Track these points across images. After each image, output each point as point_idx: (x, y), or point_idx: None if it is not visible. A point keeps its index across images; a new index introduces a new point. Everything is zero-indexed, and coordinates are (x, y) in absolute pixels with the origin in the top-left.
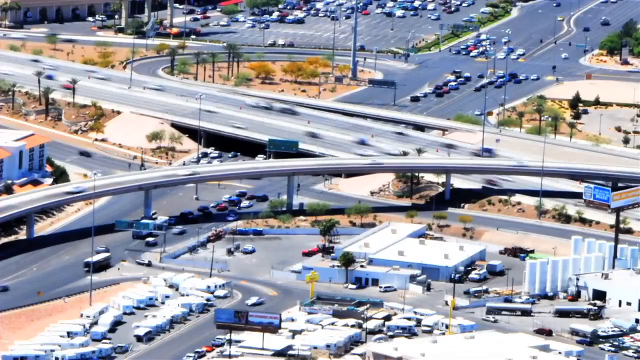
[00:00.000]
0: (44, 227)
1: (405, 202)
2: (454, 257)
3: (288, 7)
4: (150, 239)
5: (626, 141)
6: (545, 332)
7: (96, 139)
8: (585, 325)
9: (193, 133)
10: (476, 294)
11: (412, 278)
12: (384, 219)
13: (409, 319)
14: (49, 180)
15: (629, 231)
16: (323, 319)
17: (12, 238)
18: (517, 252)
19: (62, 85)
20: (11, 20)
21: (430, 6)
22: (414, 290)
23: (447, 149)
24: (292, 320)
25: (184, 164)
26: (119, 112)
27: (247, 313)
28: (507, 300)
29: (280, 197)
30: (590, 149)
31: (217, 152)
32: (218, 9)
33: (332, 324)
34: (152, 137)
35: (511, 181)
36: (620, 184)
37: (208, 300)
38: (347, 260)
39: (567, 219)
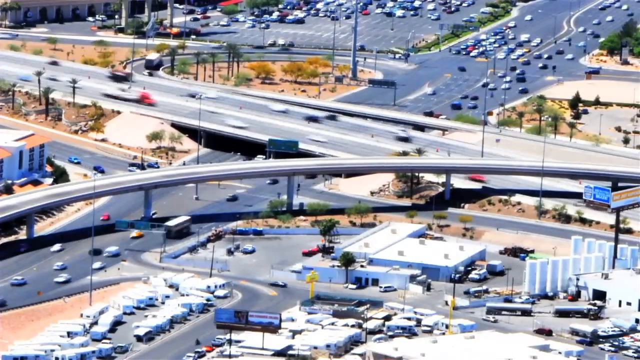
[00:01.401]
0: (44, 227)
1: (405, 202)
2: (454, 257)
3: (288, 7)
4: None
5: (626, 141)
6: (545, 332)
7: (96, 139)
8: (585, 325)
9: (193, 133)
10: (476, 294)
11: (412, 278)
12: (384, 219)
13: (409, 319)
14: (49, 180)
15: (629, 231)
16: (323, 319)
17: (12, 238)
18: (517, 252)
19: None
20: (11, 20)
21: (430, 6)
22: (414, 290)
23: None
24: (292, 320)
25: (184, 164)
26: (119, 112)
27: (247, 313)
28: (507, 300)
29: (280, 197)
30: (590, 149)
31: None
32: (218, 9)
33: (332, 324)
34: (152, 137)
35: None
36: (620, 184)
37: (208, 300)
38: (347, 260)
39: (567, 219)
